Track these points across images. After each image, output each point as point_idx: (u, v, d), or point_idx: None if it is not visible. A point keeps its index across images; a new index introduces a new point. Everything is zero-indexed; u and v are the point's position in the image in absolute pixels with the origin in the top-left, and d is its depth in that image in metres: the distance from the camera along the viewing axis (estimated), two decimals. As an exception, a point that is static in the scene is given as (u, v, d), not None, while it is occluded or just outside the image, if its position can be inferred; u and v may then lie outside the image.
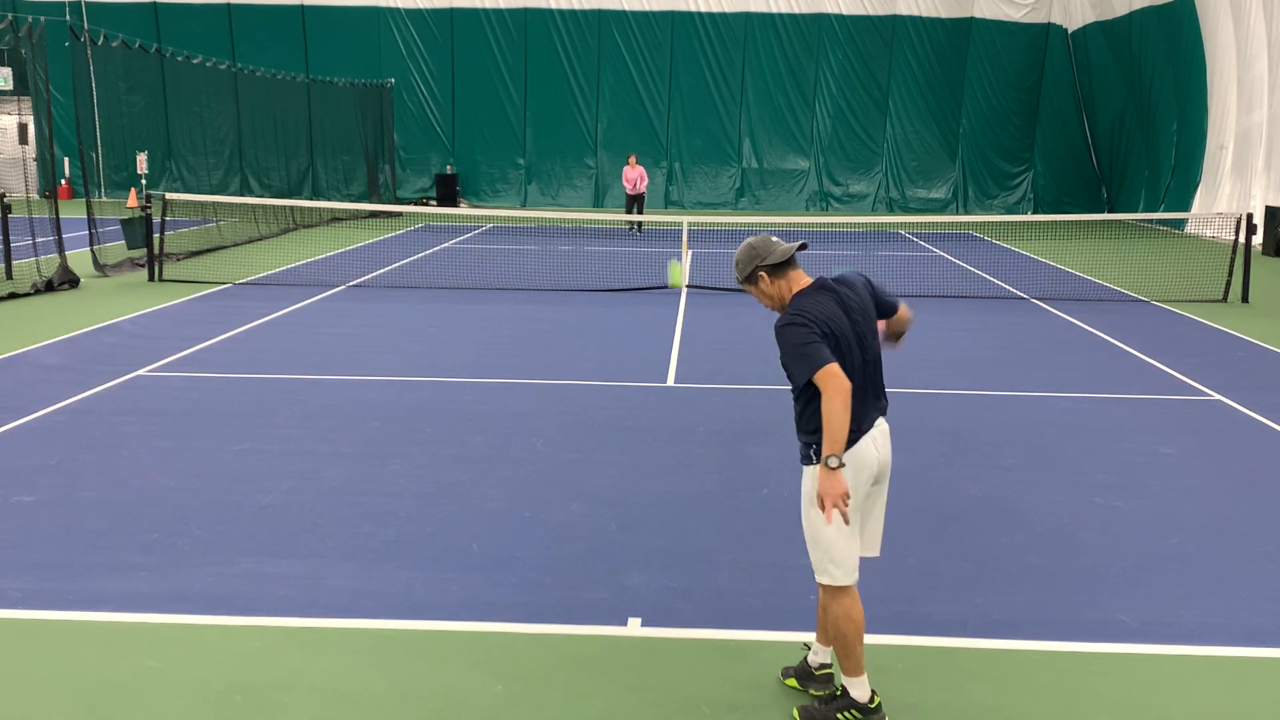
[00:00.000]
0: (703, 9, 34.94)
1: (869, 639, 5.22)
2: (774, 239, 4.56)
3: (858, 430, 4.29)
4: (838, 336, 4.28)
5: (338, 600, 5.55)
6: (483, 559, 6.13)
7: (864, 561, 6.15)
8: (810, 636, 5.26)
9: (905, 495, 7.29)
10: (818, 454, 4.24)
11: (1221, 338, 13.32)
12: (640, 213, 26.84)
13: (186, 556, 6.09)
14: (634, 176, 26.92)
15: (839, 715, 4.43)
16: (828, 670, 4.73)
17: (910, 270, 19.41)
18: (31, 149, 26.94)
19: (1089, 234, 26.83)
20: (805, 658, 4.82)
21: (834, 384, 4.10)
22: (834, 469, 4.09)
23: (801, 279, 4.50)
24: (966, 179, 35.27)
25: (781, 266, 4.50)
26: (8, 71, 17.94)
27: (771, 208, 34.65)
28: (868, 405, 4.37)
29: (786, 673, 4.81)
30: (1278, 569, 6.15)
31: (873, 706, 4.43)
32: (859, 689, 4.44)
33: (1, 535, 6.39)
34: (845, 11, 34.75)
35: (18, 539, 6.33)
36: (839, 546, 4.38)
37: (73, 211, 21.89)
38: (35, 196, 22.86)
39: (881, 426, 4.45)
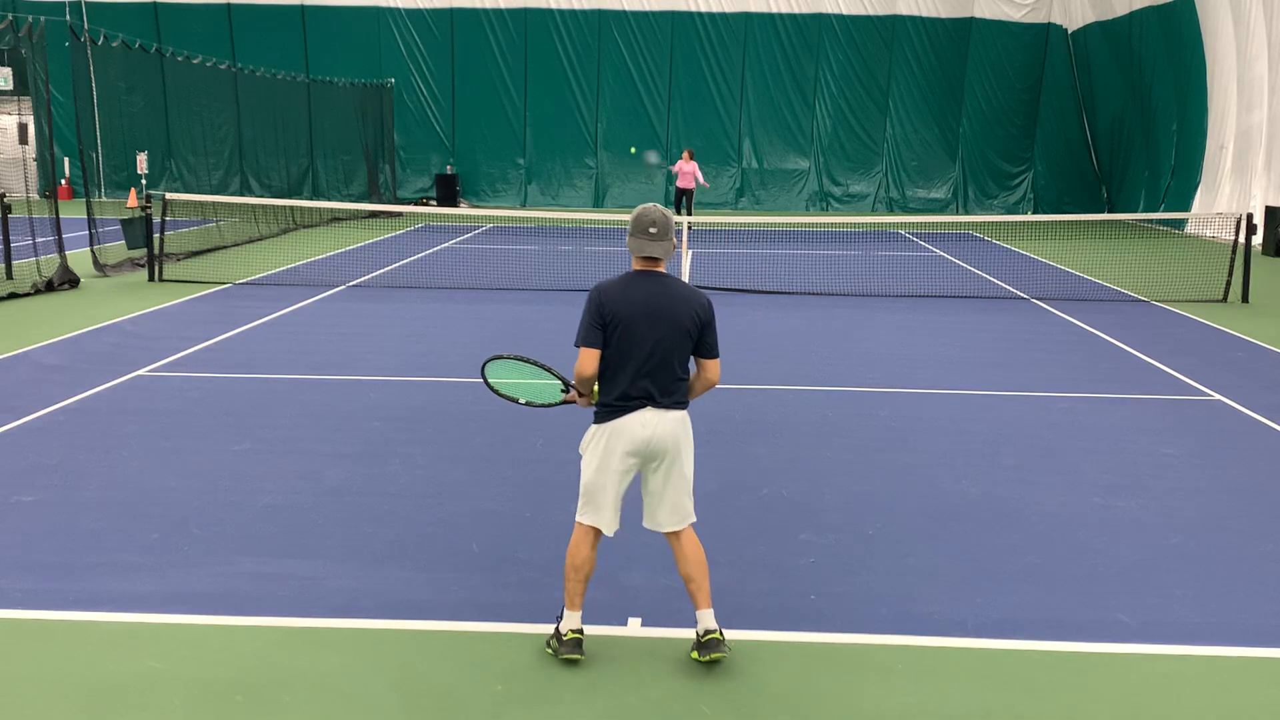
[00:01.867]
0: (703, 9, 34.93)
1: (869, 638, 5.23)
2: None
3: (623, 406, 4.83)
4: (624, 320, 4.77)
5: (338, 600, 5.55)
6: (483, 559, 6.13)
7: (865, 562, 6.17)
8: (806, 636, 5.27)
9: (905, 495, 7.30)
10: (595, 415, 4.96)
11: (1221, 338, 13.32)
12: (689, 212, 26.60)
13: (186, 556, 6.09)
14: (688, 171, 26.77)
15: (550, 642, 5.00)
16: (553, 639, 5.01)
17: (910, 270, 19.41)
18: (31, 149, 26.94)
19: (1089, 234, 26.83)
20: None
21: (580, 362, 4.82)
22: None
23: (642, 262, 4.90)
24: (966, 179, 35.27)
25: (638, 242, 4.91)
26: (8, 71, 17.94)
27: (771, 208, 34.65)
28: (640, 390, 4.81)
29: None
30: (1278, 569, 6.15)
31: (564, 639, 4.89)
32: (565, 621, 4.94)
33: (1, 535, 6.39)
34: (845, 11, 34.74)
35: (18, 539, 6.33)
36: (586, 486, 4.95)
37: (73, 211, 21.89)
38: (35, 196, 22.82)
39: (659, 415, 4.84)
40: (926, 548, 6.37)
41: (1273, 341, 12.97)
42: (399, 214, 28.77)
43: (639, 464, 4.92)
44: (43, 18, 16.48)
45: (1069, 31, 34.41)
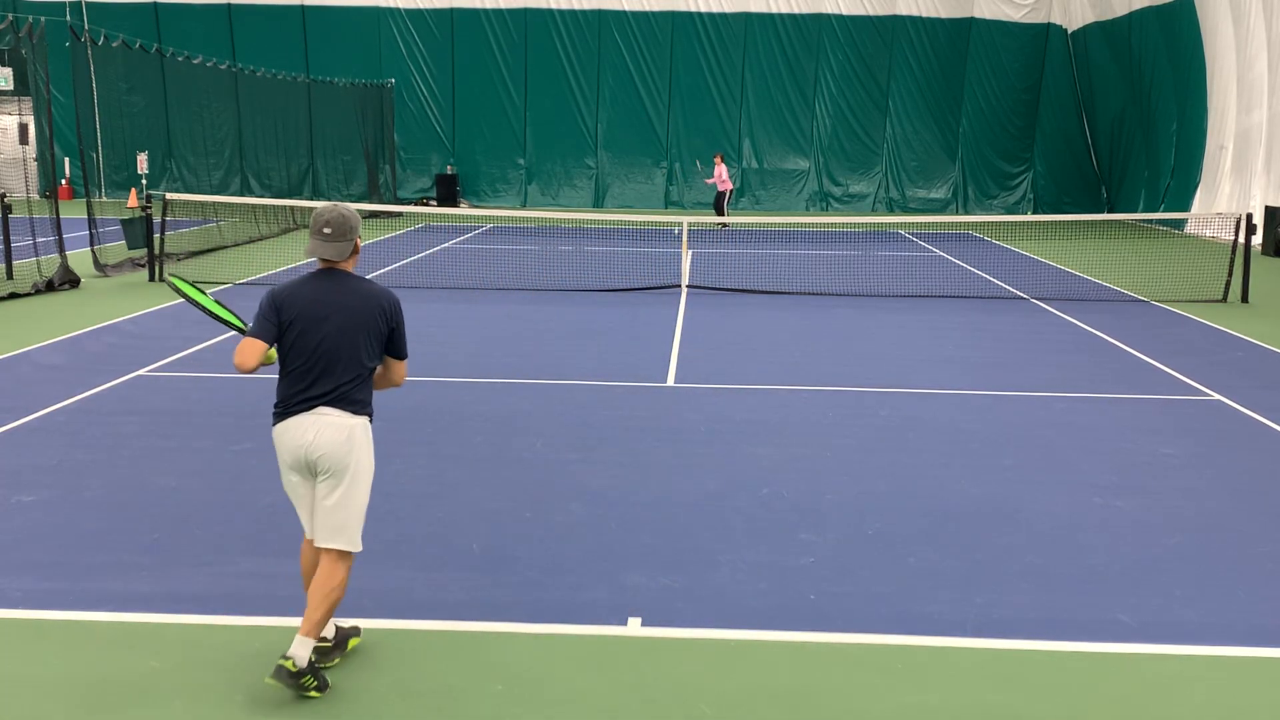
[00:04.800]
0: (703, 9, 34.93)
1: (869, 638, 5.23)
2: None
3: (284, 412, 4.65)
4: (296, 318, 4.60)
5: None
6: (483, 559, 6.13)
7: (865, 562, 6.17)
8: (806, 636, 5.27)
9: (905, 495, 7.30)
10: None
11: (1221, 338, 13.32)
12: (722, 213, 27.43)
13: (186, 556, 6.09)
14: (721, 174, 27.62)
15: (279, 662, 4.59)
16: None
17: (910, 270, 19.41)
18: (32, 149, 26.96)
19: (1089, 234, 26.82)
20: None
21: (240, 348, 4.60)
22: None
23: (322, 262, 4.73)
24: (966, 179, 35.27)
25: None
26: (8, 71, 17.94)
27: (771, 208, 34.65)
28: (304, 393, 4.62)
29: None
30: (1278, 569, 6.16)
31: (293, 671, 4.48)
32: (295, 649, 4.57)
33: (1, 535, 6.39)
34: (845, 11, 34.74)
35: (18, 539, 6.33)
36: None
37: (73, 211, 21.88)
38: (36, 196, 22.84)
39: (319, 420, 4.60)
40: (926, 548, 6.37)
41: (1273, 341, 12.97)
42: (399, 214, 28.77)
43: (307, 471, 4.65)
44: (43, 18, 16.48)
45: (1069, 32, 34.41)
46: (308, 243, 4.68)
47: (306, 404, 4.62)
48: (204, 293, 5.11)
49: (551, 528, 6.59)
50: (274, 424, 4.69)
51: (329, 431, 4.60)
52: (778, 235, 26.58)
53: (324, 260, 4.69)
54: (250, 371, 4.65)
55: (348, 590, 5.66)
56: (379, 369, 4.85)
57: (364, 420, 4.71)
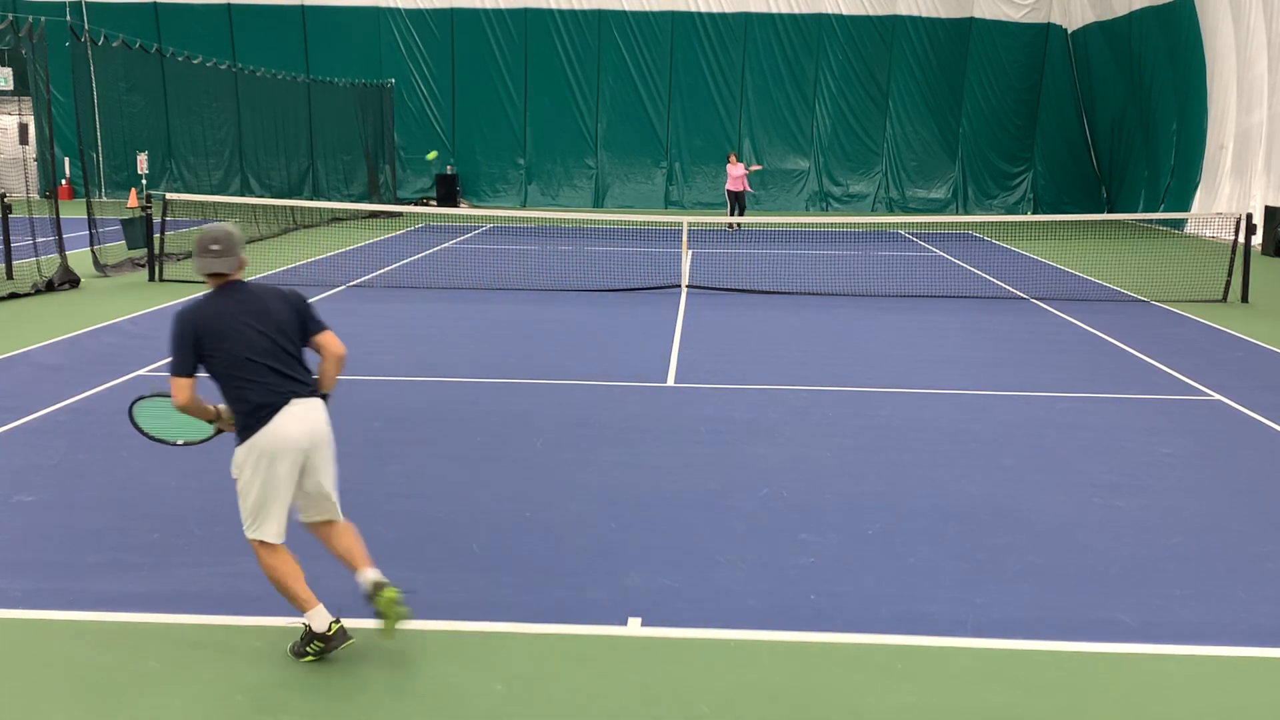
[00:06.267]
0: (703, 9, 34.93)
1: (869, 638, 5.23)
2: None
3: (269, 412, 4.84)
4: (228, 335, 4.81)
5: (338, 600, 5.54)
6: (483, 559, 6.13)
7: (865, 562, 6.17)
8: (806, 636, 5.27)
9: (905, 495, 7.30)
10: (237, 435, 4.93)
11: (1221, 338, 13.32)
12: (741, 213, 27.58)
13: (186, 556, 6.09)
14: (736, 174, 27.62)
15: (307, 649, 4.93)
16: (307, 642, 4.95)
17: (910, 270, 19.41)
18: (32, 149, 26.94)
19: (1089, 234, 26.83)
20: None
21: (175, 392, 4.85)
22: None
23: (214, 279, 4.95)
24: (966, 179, 35.27)
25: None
26: (8, 71, 17.93)
27: (771, 208, 34.63)
28: (277, 389, 4.86)
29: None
30: (1278, 569, 6.16)
31: (331, 634, 4.90)
32: (316, 621, 4.90)
33: (1, 535, 6.39)
34: (845, 11, 34.74)
35: (18, 539, 6.33)
36: (255, 506, 4.94)
37: (73, 211, 21.88)
38: (35, 196, 22.83)
39: (306, 405, 4.93)
40: (926, 548, 6.37)
41: (1273, 341, 12.97)
42: (399, 214, 28.78)
43: (304, 458, 4.93)
44: (43, 18, 16.47)
45: (1069, 32, 34.41)
46: (197, 262, 4.90)
47: (282, 399, 4.85)
48: (163, 402, 5.27)
49: (551, 528, 6.59)
50: (258, 430, 4.83)
51: (316, 413, 4.96)
52: (778, 235, 26.59)
53: (217, 275, 4.92)
54: (197, 407, 4.91)
55: (345, 589, 5.67)
56: (320, 358, 5.14)
57: (321, 399, 5.07)
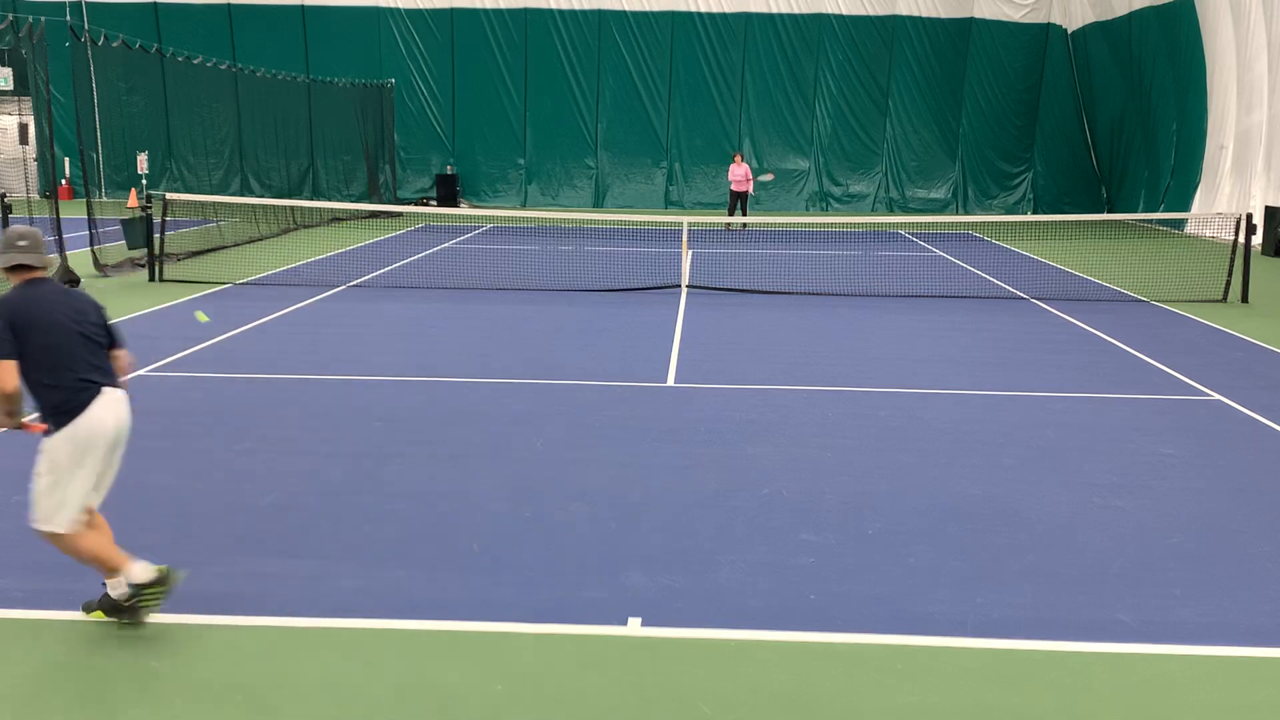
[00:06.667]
0: (703, 9, 34.93)
1: (869, 638, 5.24)
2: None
3: (83, 400, 5.04)
4: (44, 324, 5.00)
5: (338, 600, 5.55)
6: (483, 559, 6.13)
7: (865, 562, 6.18)
8: (806, 636, 5.27)
9: (905, 495, 7.30)
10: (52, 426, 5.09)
11: (1221, 338, 13.33)
12: (744, 213, 27.79)
13: (186, 556, 6.09)
14: (740, 174, 27.81)
15: (140, 603, 5.14)
16: (138, 595, 5.16)
17: (910, 270, 19.41)
18: (32, 149, 26.97)
19: (1089, 234, 26.83)
20: (106, 594, 5.25)
21: (2, 377, 4.95)
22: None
23: (20, 272, 5.16)
24: (966, 179, 35.27)
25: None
26: (8, 71, 17.95)
27: (772, 208, 34.62)
28: (88, 376, 5.07)
29: (89, 607, 5.32)
30: (1278, 569, 6.16)
31: (160, 577, 5.15)
32: (138, 574, 5.12)
33: (1, 535, 6.39)
34: (845, 11, 34.74)
35: (18, 539, 6.32)
36: (64, 498, 5.11)
37: (73, 211, 21.87)
38: (35, 196, 22.85)
39: (115, 396, 5.18)
40: (926, 548, 6.37)
41: (1273, 341, 12.97)
42: (399, 214, 28.78)
43: (111, 450, 5.15)
44: (43, 18, 16.48)
45: (1069, 32, 34.41)
46: (3, 258, 5.10)
47: (94, 387, 5.09)
48: None
49: (551, 528, 6.59)
50: (78, 415, 5.02)
51: (124, 404, 5.24)
52: (778, 235, 26.59)
53: (24, 269, 5.13)
54: (16, 394, 5.02)
55: (345, 589, 5.68)
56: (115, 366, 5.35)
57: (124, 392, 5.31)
